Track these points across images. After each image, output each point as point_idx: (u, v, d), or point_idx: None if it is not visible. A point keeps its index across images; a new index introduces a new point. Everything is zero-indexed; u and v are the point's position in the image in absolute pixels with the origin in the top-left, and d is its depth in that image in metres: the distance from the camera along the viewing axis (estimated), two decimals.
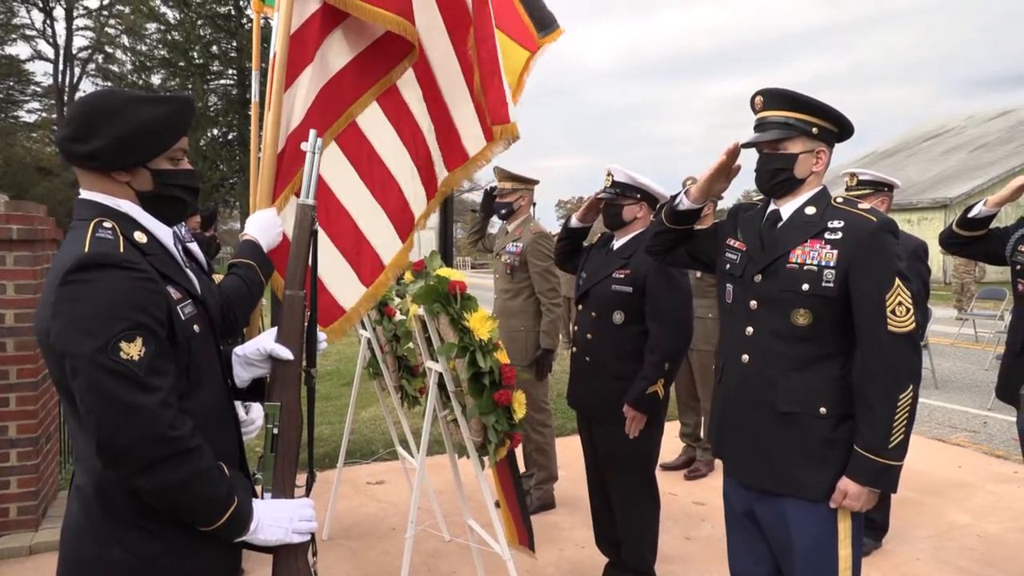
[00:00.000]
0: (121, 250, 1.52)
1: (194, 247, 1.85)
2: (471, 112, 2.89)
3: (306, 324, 1.86)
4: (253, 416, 1.97)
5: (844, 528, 2.18)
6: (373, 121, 2.74)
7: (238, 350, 1.85)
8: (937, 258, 20.58)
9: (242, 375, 1.86)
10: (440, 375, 3.17)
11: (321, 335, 2.01)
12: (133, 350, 1.44)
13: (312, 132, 2.01)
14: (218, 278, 2.05)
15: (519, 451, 3.47)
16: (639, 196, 3.32)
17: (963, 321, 12.48)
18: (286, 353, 1.80)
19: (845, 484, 2.12)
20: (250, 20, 26.44)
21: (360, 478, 5.31)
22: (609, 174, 3.34)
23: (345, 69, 2.63)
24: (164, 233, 1.68)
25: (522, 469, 4.56)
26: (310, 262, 1.93)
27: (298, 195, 2.52)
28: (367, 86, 2.68)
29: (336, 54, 2.62)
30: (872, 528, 4.02)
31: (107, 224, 1.55)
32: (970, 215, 3.51)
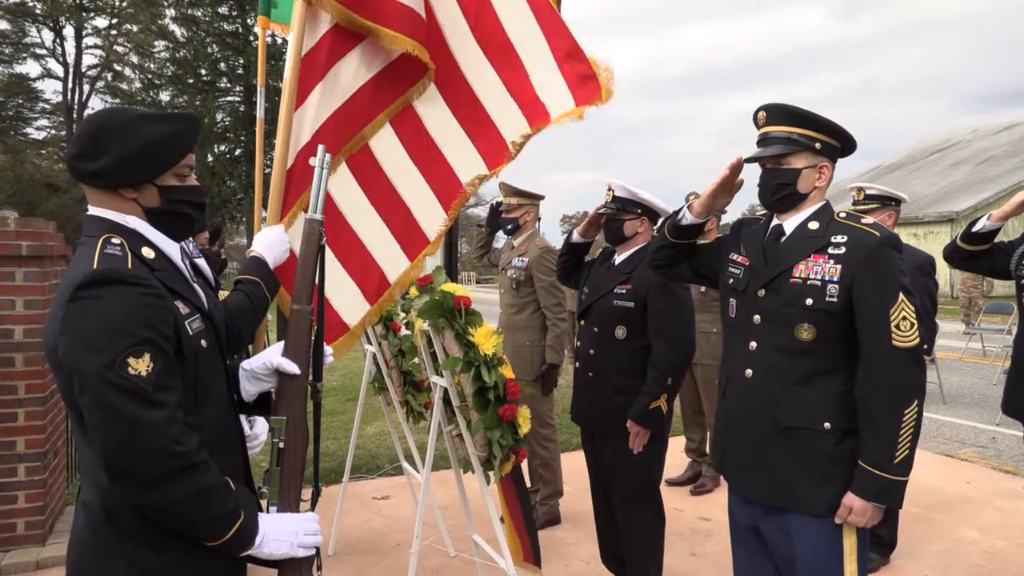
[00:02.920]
0: (129, 266, 1.54)
1: (201, 263, 1.86)
2: (513, 107, 2.92)
3: (313, 339, 1.87)
4: (257, 431, 1.98)
5: (849, 544, 2.17)
6: (385, 143, 2.76)
7: (245, 364, 1.87)
8: (944, 272, 20.52)
9: (249, 389, 1.87)
10: (445, 390, 3.18)
11: (327, 349, 2.02)
12: (141, 366, 1.45)
13: (320, 147, 2.03)
14: (223, 294, 2.06)
15: (524, 466, 3.47)
16: (640, 211, 3.33)
17: (971, 335, 12.44)
18: (293, 368, 1.81)
19: (850, 499, 2.11)
20: (257, 37, 26.67)
21: (365, 493, 5.31)
22: (609, 189, 3.35)
23: (360, 91, 2.65)
24: (172, 248, 1.69)
25: (527, 484, 4.55)
26: (317, 277, 1.95)
27: (306, 211, 2.55)
28: (380, 108, 2.71)
29: (351, 76, 2.64)
30: (880, 544, 4.00)
31: (115, 240, 1.57)
32: (974, 229, 3.50)
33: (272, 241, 2.28)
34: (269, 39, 3.19)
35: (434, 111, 2.84)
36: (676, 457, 5.30)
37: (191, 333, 1.61)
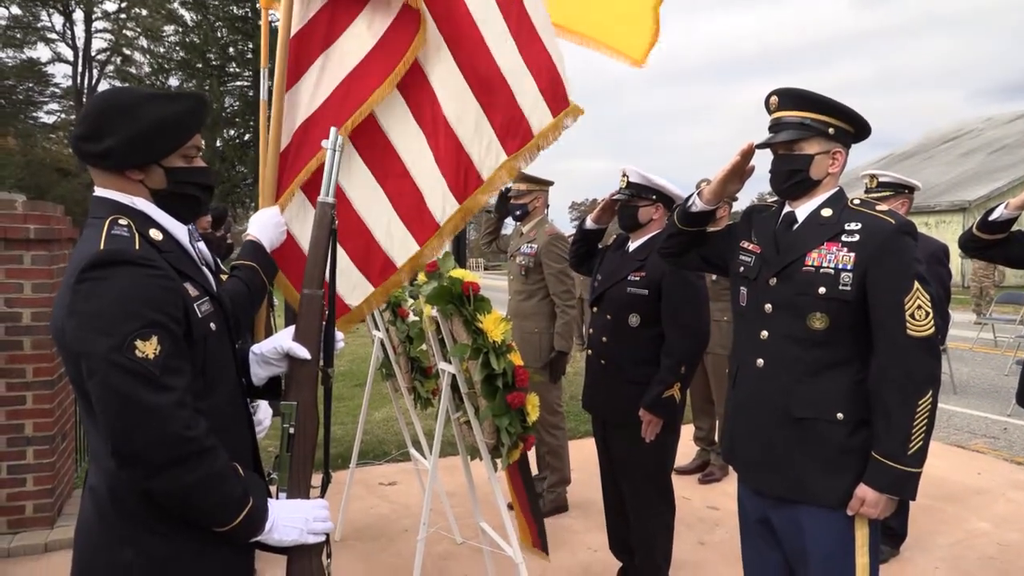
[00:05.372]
0: (137, 247, 1.52)
1: (202, 246, 1.84)
2: (532, 87, 2.71)
3: (324, 323, 1.85)
4: (260, 416, 1.96)
5: (861, 536, 2.14)
6: (393, 113, 2.62)
7: (255, 348, 1.85)
8: (956, 261, 20.36)
9: (259, 373, 1.85)
10: (453, 376, 3.17)
11: (339, 335, 2.00)
12: (149, 348, 1.43)
13: (333, 130, 1.98)
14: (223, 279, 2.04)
15: (531, 453, 3.45)
16: (654, 197, 3.29)
17: (982, 325, 12.36)
18: (303, 352, 1.79)
19: (863, 491, 2.09)
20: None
21: (372, 479, 5.31)
22: (624, 175, 3.32)
23: (364, 63, 2.55)
24: (180, 231, 1.67)
25: (535, 471, 4.54)
26: (329, 261, 1.93)
27: (305, 191, 2.51)
28: (384, 75, 2.55)
29: (356, 48, 2.55)
30: (890, 536, 3.97)
31: (122, 221, 1.55)
32: (991, 218, 3.44)
33: (267, 224, 2.25)
34: (276, 21, 3.16)
35: (441, 78, 2.65)
36: (685, 445, 5.24)
37: (200, 315, 1.59)
